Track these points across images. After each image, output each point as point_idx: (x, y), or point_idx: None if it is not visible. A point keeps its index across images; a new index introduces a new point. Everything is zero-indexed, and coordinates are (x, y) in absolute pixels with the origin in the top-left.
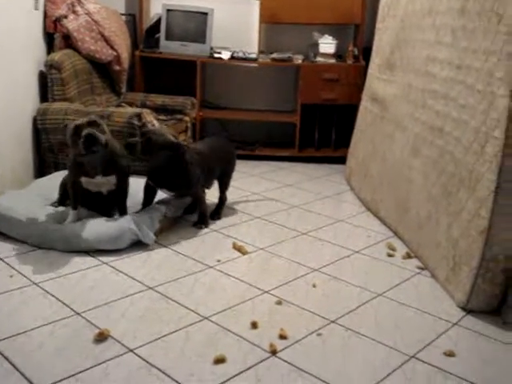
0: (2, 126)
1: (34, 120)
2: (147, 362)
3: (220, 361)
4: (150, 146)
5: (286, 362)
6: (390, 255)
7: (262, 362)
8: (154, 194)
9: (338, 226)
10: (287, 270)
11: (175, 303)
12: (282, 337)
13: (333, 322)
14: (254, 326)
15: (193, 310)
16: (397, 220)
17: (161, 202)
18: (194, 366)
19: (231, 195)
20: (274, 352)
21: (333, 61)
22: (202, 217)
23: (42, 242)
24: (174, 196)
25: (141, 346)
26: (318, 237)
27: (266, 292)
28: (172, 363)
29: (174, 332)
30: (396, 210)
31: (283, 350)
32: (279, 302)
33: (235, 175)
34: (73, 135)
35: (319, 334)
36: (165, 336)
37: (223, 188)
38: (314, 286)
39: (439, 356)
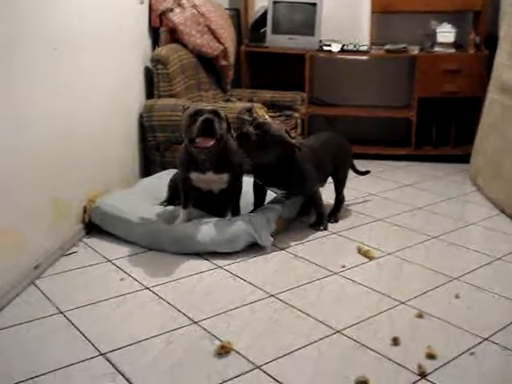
0: (109, 123)
1: (140, 117)
2: (277, 381)
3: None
4: (266, 139)
5: None
6: None
7: None
8: (265, 193)
9: (470, 230)
10: (422, 278)
11: (302, 313)
12: (430, 356)
13: (485, 339)
14: (396, 342)
15: (322, 322)
16: None
17: (275, 201)
18: None
19: (346, 196)
20: (423, 374)
21: (452, 50)
22: (320, 217)
23: (151, 243)
24: (285, 195)
25: (269, 362)
26: (450, 241)
27: (403, 303)
28: (307, 383)
29: (304, 347)
30: None
31: (434, 371)
32: (420, 315)
33: (349, 175)
34: (190, 118)
35: (472, 354)
36: (295, 351)
37: (339, 187)
38: (457, 296)
39: None
